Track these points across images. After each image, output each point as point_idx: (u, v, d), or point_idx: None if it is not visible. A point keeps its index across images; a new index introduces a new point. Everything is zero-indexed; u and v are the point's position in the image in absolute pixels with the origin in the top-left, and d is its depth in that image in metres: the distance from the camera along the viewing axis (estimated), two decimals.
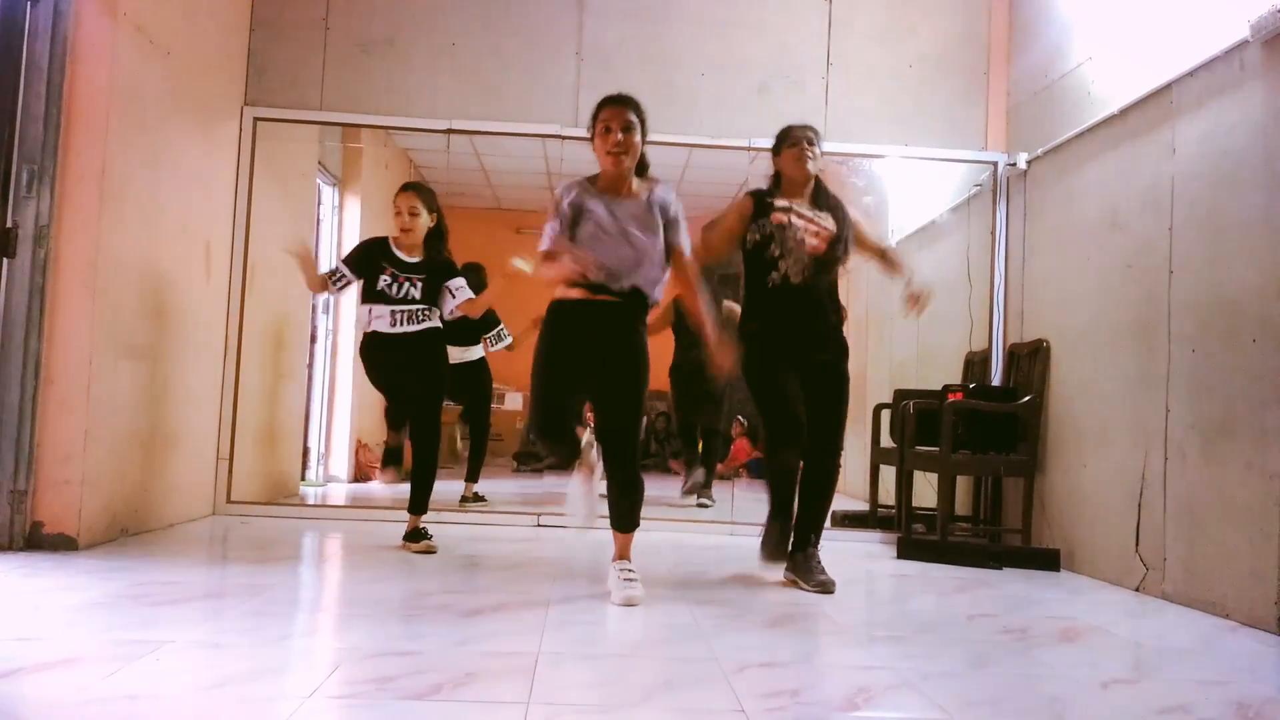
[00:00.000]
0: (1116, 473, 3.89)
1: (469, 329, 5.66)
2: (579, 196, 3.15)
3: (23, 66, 3.51)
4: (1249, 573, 3.13)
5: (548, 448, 3.25)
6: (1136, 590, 3.70)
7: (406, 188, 4.06)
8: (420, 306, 3.96)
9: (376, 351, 4.00)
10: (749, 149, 5.07)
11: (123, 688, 1.96)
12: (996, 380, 4.96)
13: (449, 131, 5.09)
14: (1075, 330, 4.33)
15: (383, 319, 3.94)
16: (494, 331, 5.79)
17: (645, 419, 6.22)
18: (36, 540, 3.49)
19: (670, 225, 3.19)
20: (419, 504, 4.02)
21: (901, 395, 4.95)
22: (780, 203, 3.59)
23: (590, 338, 3.10)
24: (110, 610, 2.65)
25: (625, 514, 3.19)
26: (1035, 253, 4.78)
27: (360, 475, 6.66)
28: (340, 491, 6.26)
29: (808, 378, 3.56)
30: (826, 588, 3.42)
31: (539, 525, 4.81)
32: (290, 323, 5.73)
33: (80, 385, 3.55)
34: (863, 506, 5.44)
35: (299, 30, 5.03)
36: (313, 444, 6.36)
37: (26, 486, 3.48)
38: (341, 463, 6.63)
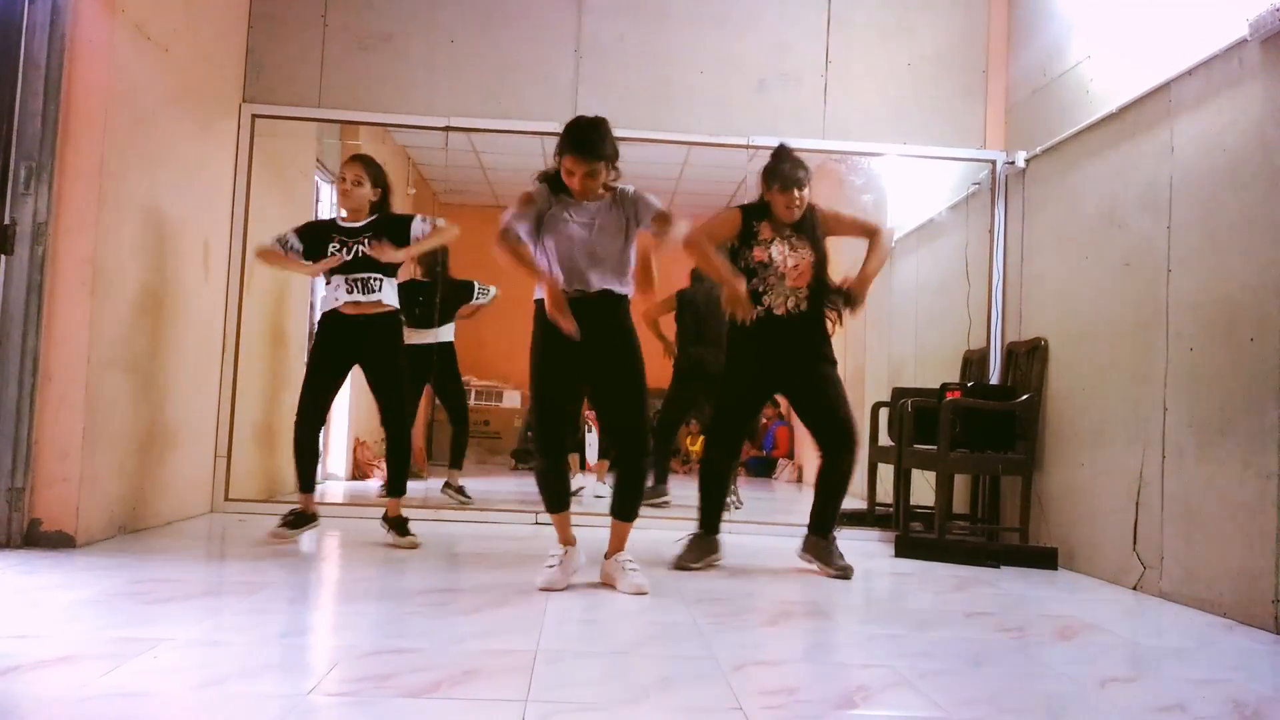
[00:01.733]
0: (1114, 471, 3.90)
1: (443, 307, 5.66)
2: (547, 203, 3.24)
3: (21, 63, 3.50)
4: (1246, 571, 3.14)
5: (551, 460, 3.28)
6: (1134, 589, 3.71)
7: (353, 158, 4.06)
8: (374, 275, 3.92)
9: (331, 332, 3.96)
10: (748, 146, 5.07)
11: (120, 685, 1.96)
12: (994, 379, 4.96)
13: (447, 129, 5.08)
14: (1073, 329, 4.33)
15: (340, 288, 3.91)
16: (477, 291, 5.75)
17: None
18: (34, 538, 3.49)
19: (639, 209, 3.27)
20: (398, 486, 4.05)
21: (899, 393, 4.95)
22: (764, 234, 3.74)
23: (583, 336, 3.16)
24: (108, 607, 2.64)
25: (631, 503, 3.33)
26: (1033, 251, 4.79)
27: (358, 473, 6.66)
28: (338, 489, 6.26)
29: (797, 388, 3.81)
30: (846, 573, 3.69)
31: (537, 524, 4.80)
32: (288, 320, 5.72)
33: (78, 383, 3.55)
34: (861, 505, 5.44)
35: (297, 27, 5.02)
36: None
37: (24, 484, 3.48)
38: (339, 460, 6.63)
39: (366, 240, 3.93)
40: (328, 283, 3.98)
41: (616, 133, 5.12)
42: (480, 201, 8.99)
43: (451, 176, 7.87)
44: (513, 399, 9.37)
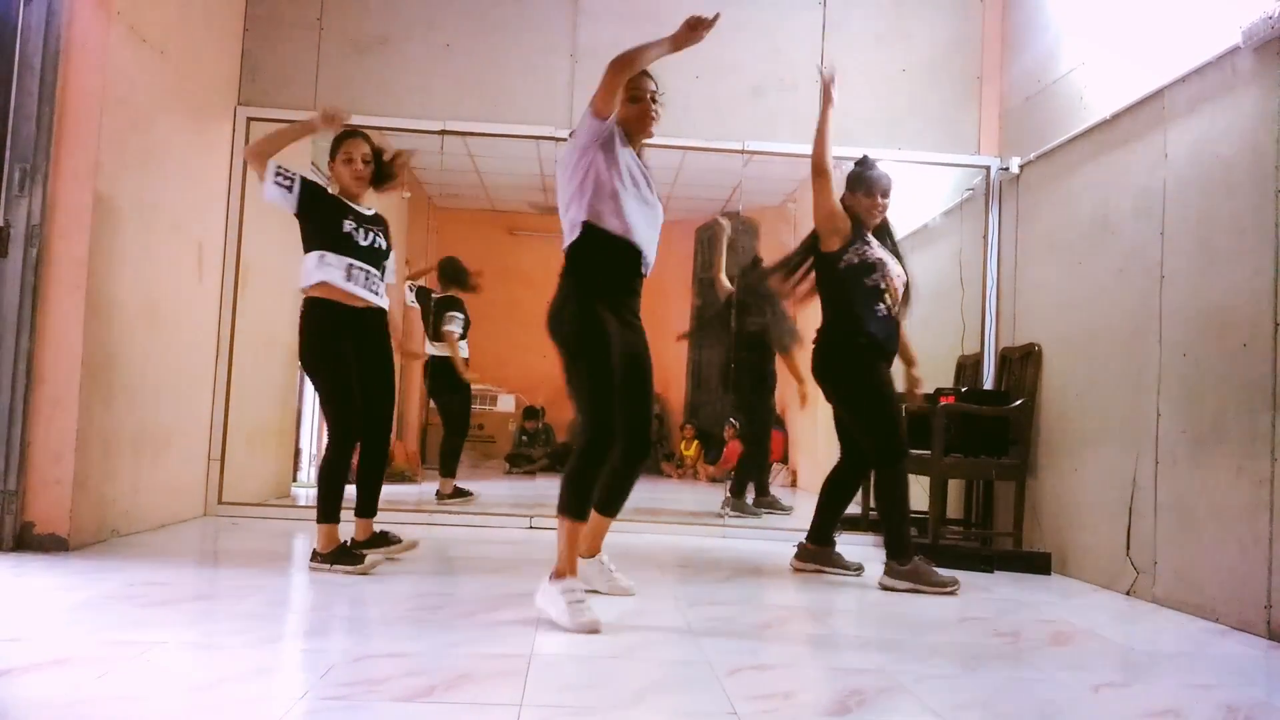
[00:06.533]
0: (1107, 476, 3.91)
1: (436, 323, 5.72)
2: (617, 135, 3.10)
3: (15, 65, 3.50)
4: (1238, 577, 3.14)
5: (606, 440, 2.82)
6: (1127, 594, 3.71)
7: (358, 134, 3.65)
8: (378, 273, 3.55)
9: (335, 326, 3.42)
10: (743, 152, 5.08)
11: (114, 688, 1.95)
12: (988, 384, 4.97)
13: (443, 133, 5.08)
14: (1067, 334, 4.34)
15: (335, 269, 3.40)
16: (451, 311, 5.78)
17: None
18: (27, 541, 3.48)
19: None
20: (371, 507, 3.70)
21: None
22: (869, 237, 3.77)
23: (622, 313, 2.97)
24: (101, 611, 2.64)
25: (622, 500, 3.11)
26: (1027, 257, 4.80)
27: (351, 477, 6.63)
28: None
29: None
30: (857, 569, 3.87)
31: (531, 528, 4.80)
32: (282, 323, 5.71)
33: (71, 385, 3.53)
34: (855, 509, 5.44)
35: (293, 30, 5.02)
36: (304, 445, 6.34)
37: (17, 487, 3.46)
38: None
39: (379, 232, 3.58)
40: (320, 252, 3.44)
41: None
42: (475, 205, 9.00)
43: (447, 180, 7.88)
44: (507, 403, 9.37)
